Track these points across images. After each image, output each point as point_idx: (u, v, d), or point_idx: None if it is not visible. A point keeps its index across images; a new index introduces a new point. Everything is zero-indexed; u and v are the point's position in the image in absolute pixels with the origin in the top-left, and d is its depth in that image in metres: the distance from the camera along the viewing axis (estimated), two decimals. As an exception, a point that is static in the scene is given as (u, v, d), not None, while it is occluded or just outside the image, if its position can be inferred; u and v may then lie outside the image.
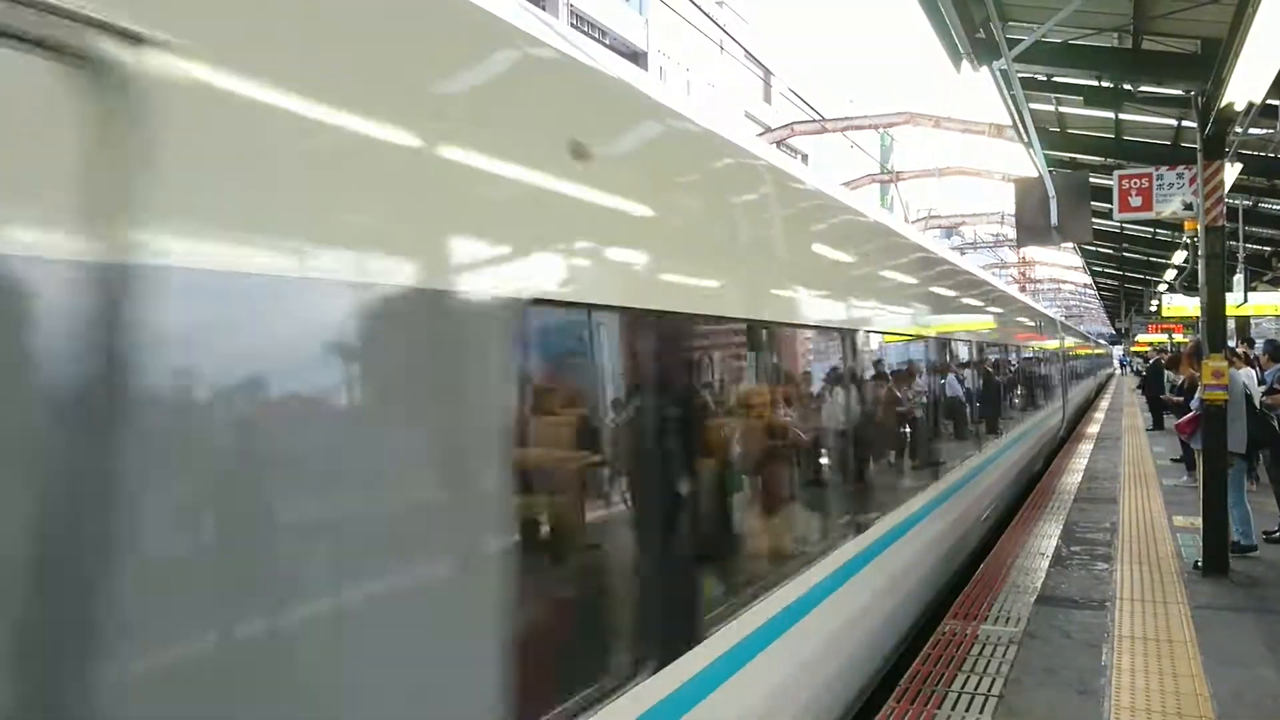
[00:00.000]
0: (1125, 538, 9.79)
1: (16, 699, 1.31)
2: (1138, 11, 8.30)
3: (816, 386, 5.25)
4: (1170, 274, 24.91)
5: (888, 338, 6.71)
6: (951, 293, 9.32)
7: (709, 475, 3.45)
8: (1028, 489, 13.70)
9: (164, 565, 1.51)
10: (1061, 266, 50.03)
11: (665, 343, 3.00)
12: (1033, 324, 17.23)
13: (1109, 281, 40.09)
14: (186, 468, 1.55)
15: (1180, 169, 9.74)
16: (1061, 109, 12.20)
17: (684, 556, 3.03)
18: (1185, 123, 11.10)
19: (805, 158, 65.37)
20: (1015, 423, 13.16)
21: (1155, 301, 31.98)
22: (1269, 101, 8.26)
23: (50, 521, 1.35)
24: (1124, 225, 19.03)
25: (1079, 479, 14.38)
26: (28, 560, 1.33)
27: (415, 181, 2.05)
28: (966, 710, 5.24)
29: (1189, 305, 22.22)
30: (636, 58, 45.51)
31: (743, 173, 4.00)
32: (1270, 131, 11.49)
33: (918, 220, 33.08)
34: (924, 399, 8.10)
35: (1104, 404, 29.92)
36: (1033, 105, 10.15)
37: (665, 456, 2.94)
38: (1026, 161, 11.44)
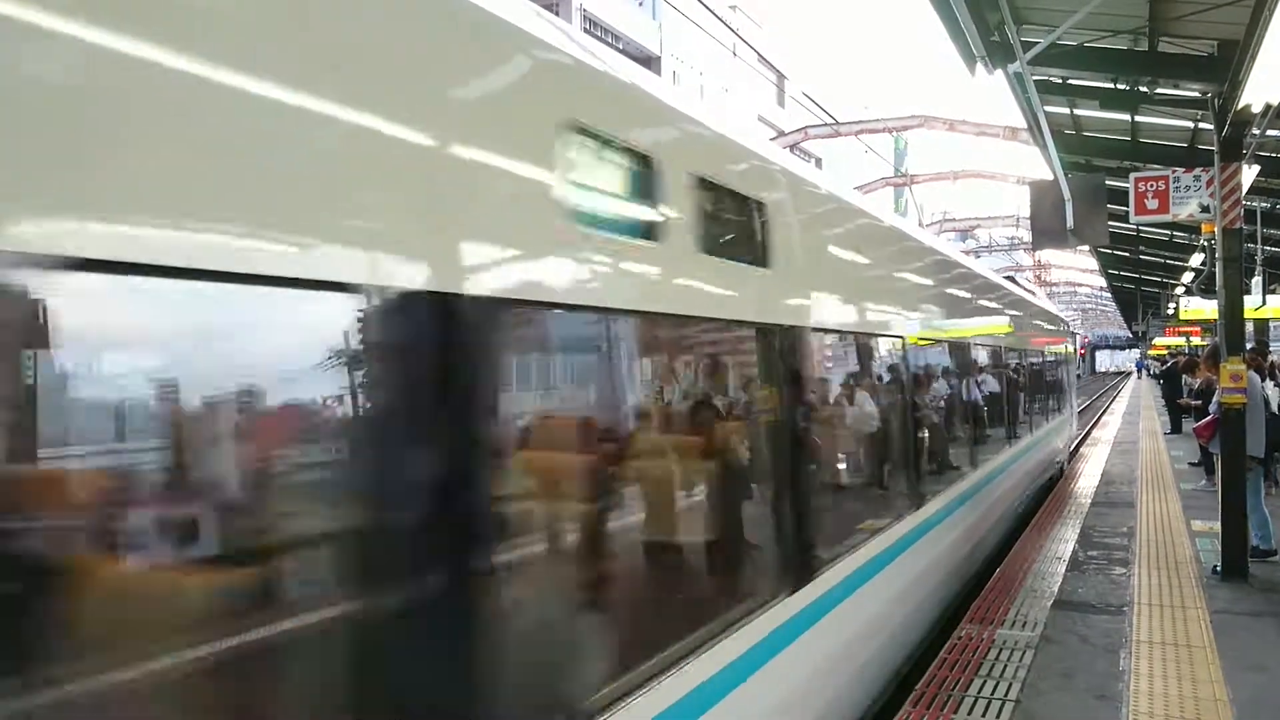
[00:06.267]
0: (1143, 542, 9.73)
1: None
2: (1154, 13, 8.27)
3: None
4: (1187, 277, 24.77)
5: None
6: None
7: None
8: None
9: None
10: (1078, 270, 49.82)
11: None
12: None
13: (1126, 285, 39.86)
14: None
15: (1197, 171, 9.69)
16: (1077, 111, 12.15)
17: None
18: (1202, 125, 11.04)
19: (819, 161, 65.34)
20: None
21: (1172, 304, 31.79)
22: (1287, 103, 8.21)
23: None
24: (1140, 228, 18.96)
25: (1096, 483, 14.30)
26: None
27: None
28: (984, 715, 5.22)
29: (1207, 308, 22.09)
30: (649, 62, 45.63)
31: None
32: (1288, 133, 11.41)
33: (932, 224, 32.92)
34: None
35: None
36: (1048, 108, 10.12)
37: None
38: (1040, 163, 11.41)
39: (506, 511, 2.39)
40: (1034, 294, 17.48)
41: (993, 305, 11.10)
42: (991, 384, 10.83)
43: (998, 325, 11.31)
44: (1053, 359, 16.70)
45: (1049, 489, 14.09)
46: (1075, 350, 22.87)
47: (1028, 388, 13.27)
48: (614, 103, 3.16)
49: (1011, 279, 15.84)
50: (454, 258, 2.21)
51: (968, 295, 9.63)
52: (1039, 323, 15.22)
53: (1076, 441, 21.59)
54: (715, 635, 3.41)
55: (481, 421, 2.27)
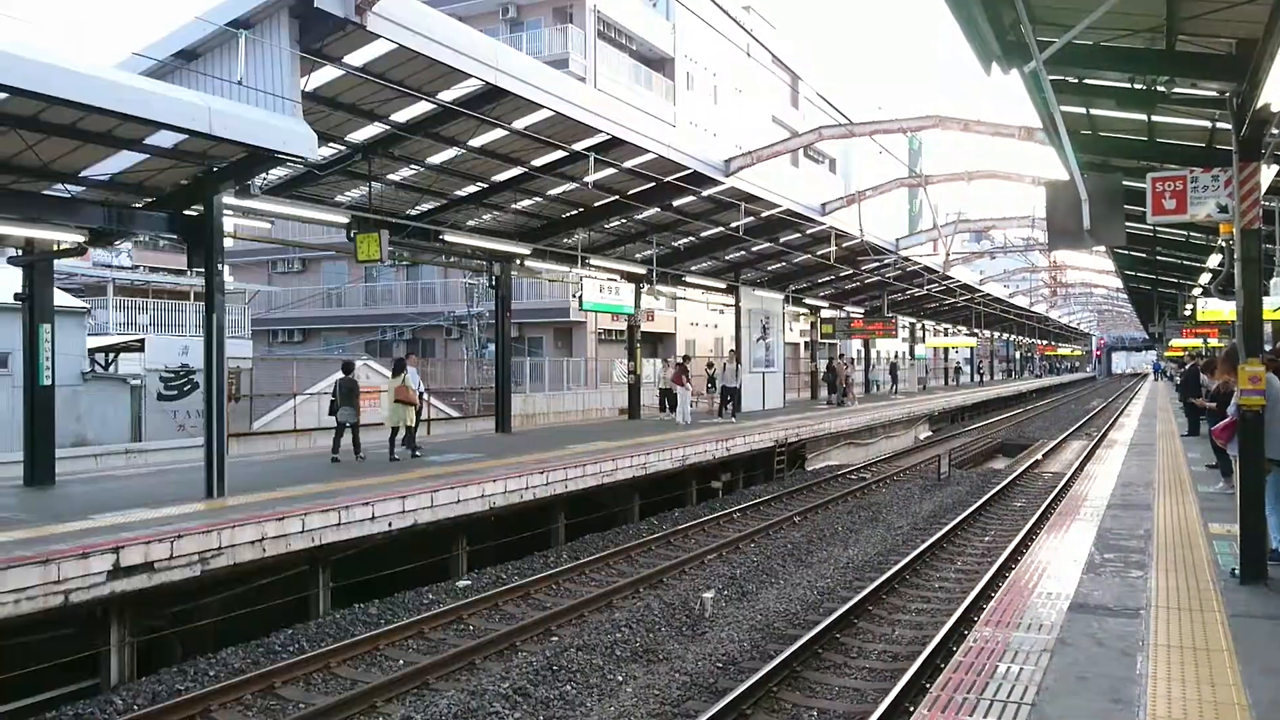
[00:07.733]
0: (1160, 545, 9.65)
1: None
2: (1171, 12, 8.20)
3: None
4: (1205, 278, 24.56)
5: None
6: None
7: None
8: None
9: None
10: (1094, 271, 49.52)
11: None
12: None
13: (1142, 286, 39.57)
14: None
15: (1215, 171, 9.61)
16: (1093, 111, 12.07)
17: None
18: (1220, 124, 10.95)
19: (833, 162, 65.16)
20: None
21: (1190, 305, 31.55)
22: (1307, 102, 8.12)
23: None
24: (1157, 228, 18.80)
25: (1112, 485, 14.20)
26: None
27: None
28: (999, 719, 5.19)
29: (1224, 309, 21.90)
30: (663, 64, 45.63)
31: None
32: (1308, 132, 11.29)
33: (947, 224, 32.72)
34: None
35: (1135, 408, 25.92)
36: (1064, 107, 10.05)
37: None
38: (1056, 163, 11.32)
39: None
40: None
41: None
42: None
43: None
44: None
45: None
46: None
47: None
48: None
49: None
50: None
51: None
52: None
53: None
54: None
55: None
